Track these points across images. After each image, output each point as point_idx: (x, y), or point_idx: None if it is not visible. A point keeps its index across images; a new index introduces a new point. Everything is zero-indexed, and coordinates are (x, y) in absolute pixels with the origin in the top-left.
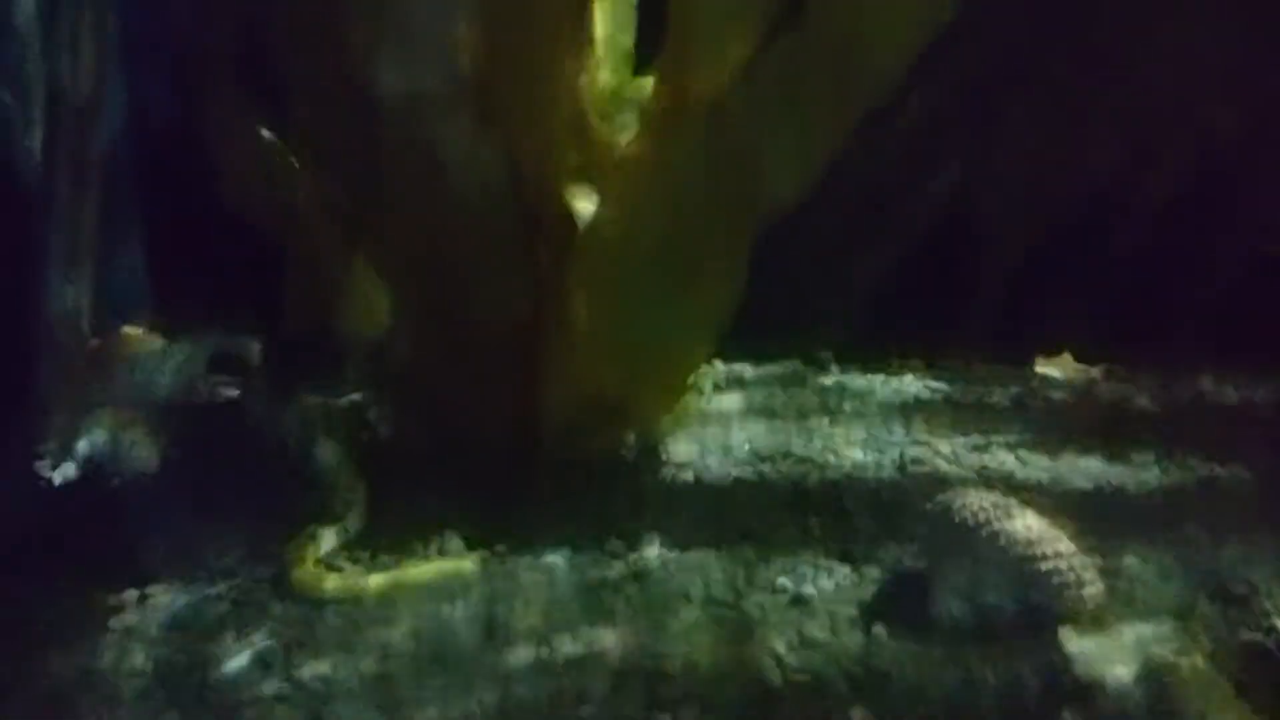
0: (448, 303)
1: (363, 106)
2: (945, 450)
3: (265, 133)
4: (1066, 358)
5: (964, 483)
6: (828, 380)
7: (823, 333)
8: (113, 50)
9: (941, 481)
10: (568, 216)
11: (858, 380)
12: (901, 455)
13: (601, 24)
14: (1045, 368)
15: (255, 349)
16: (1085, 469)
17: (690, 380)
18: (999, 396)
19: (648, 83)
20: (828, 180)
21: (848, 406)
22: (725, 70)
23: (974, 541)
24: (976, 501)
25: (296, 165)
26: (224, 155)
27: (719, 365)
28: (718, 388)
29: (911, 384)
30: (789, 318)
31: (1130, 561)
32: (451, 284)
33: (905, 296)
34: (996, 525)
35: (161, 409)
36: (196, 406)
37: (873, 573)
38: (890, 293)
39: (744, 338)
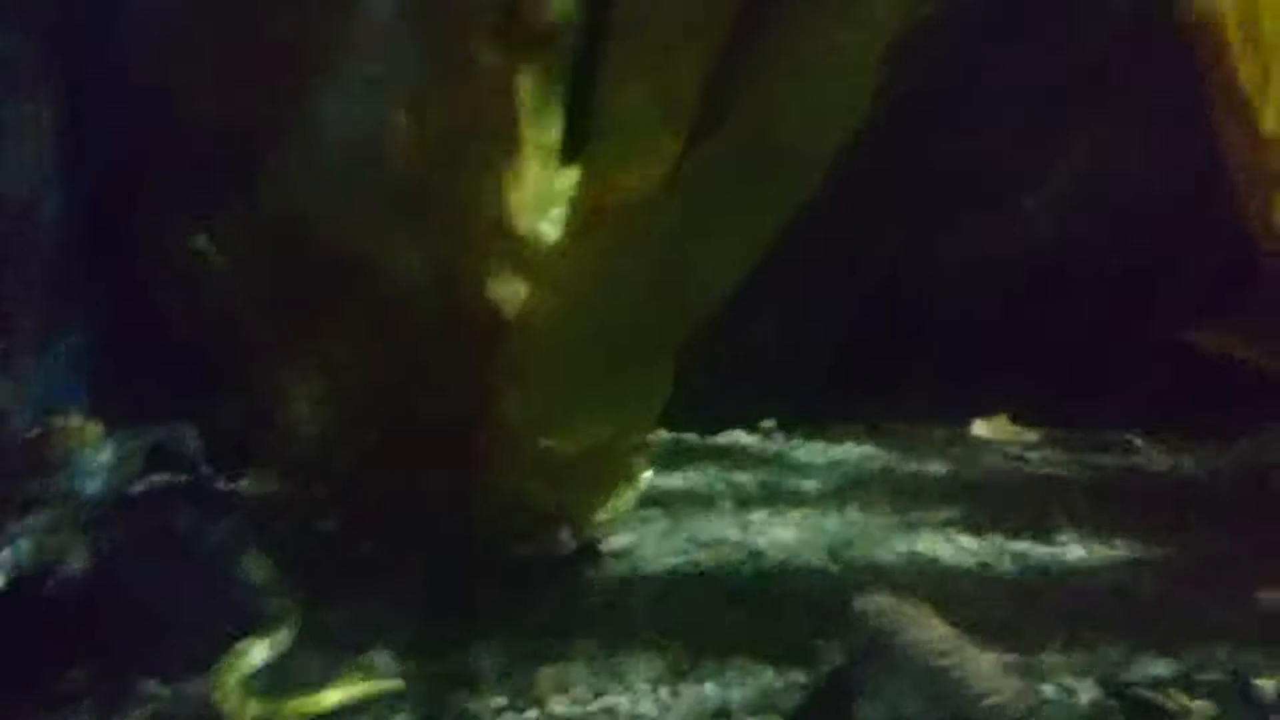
0: (381, 402)
1: (293, 213)
2: (877, 533)
3: (198, 234)
4: (1003, 420)
5: (893, 569)
6: (770, 451)
7: (767, 400)
8: (49, 150)
9: (872, 568)
10: (498, 313)
11: (799, 450)
12: (833, 540)
13: (528, 118)
14: (982, 430)
15: (195, 442)
16: (1012, 551)
17: (625, 469)
18: (936, 465)
19: (575, 176)
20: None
21: (786, 483)
22: (652, 168)
23: (891, 651)
24: (891, 608)
25: (230, 266)
26: (156, 256)
27: (664, 436)
28: (659, 466)
29: (851, 452)
30: (734, 385)
31: (1049, 661)
32: (384, 383)
33: (847, 362)
34: (911, 634)
35: (95, 509)
36: (131, 507)
37: (798, 677)
38: (832, 359)
39: (691, 407)
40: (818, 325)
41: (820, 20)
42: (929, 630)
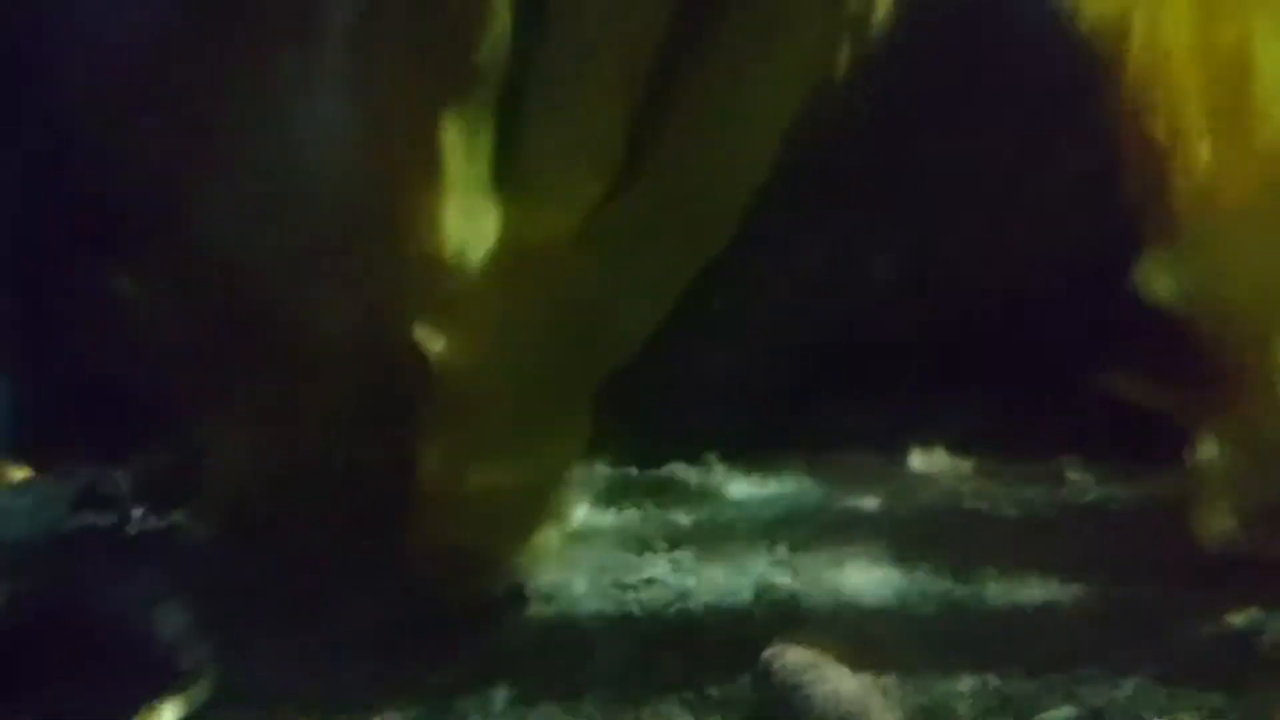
0: (307, 447)
1: (219, 255)
2: (805, 571)
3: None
4: (940, 450)
5: (817, 611)
6: (709, 485)
7: (711, 432)
8: None
9: (796, 610)
10: (422, 357)
11: (737, 485)
12: (761, 580)
13: (455, 160)
14: (920, 462)
15: (125, 486)
16: (934, 591)
17: (551, 510)
18: (870, 499)
19: (498, 219)
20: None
21: (721, 519)
22: (573, 213)
23: (793, 706)
24: (796, 661)
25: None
26: (83, 298)
27: (603, 471)
28: (595, 503)
29: (788, 487)
30: (677, 417)
31: (958, 706)
32: (310, 428)
33: (788, 393)
34: (813, 689)
35: (14, 555)
36: (54, 552)
37: None
38: (774, 389)
39: (633, 440)
40: (760, 356)
41: (732, 77)
42: (836, 683)
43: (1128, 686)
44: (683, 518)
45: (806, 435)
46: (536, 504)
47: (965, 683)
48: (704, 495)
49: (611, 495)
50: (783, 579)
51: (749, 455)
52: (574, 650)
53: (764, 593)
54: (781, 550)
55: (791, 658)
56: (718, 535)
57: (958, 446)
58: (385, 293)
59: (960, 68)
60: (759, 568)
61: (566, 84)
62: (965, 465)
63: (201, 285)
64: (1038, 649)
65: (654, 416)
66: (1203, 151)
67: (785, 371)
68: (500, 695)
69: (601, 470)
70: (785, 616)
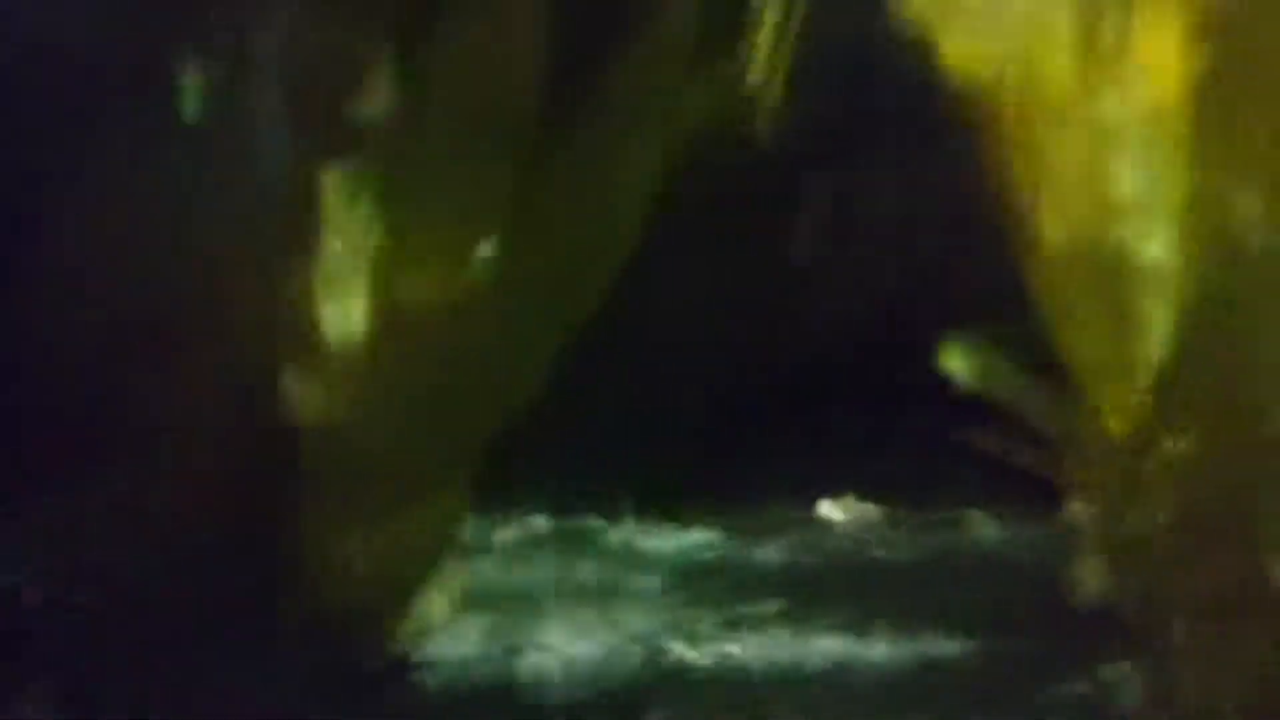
0: (180, 513)
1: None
2: (699, 631)
3: None
4: (850, 499)
5: (704, 673)
6: (616, 539)
7: (625, 483)
8: None
9: (685, 673)
10: (298, 421)
11: (644, 538)
12: (654, 642)
13: (336, 220)
14: (829, 510)
15: None
16: (824, 650)
17: (437, 574)
18: (773, 552)
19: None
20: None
21: (623, 575)
22: (449, 277)
23: None
24: None
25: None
26: None
27: (512, 526)
28: (499, 560)
29: (695, 540)
30: (590, 469)
31: None
32: (182, 494)
33: (702, 442)
34: None
35: None
36: None
37: None
38: (688, 440)
39: (546, 492)
40: (674, 406)
41: (603, 145)
42: None
43: None
44: (586, 573)
45: (719, 485)
46: (419, 570)
47: None
48: (612, 549)
49: (519, 550)
50: (674, 644)
51: (662, 506)
52: None
53: (655, 656)
54: (679, 608)
55: None
56: (619, 592)
57: (868, 495)
58: (259, 354)
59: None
60: (654, 628)
61: (444, 148)
62: (873, 513)
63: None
64: (920, 708)
65: (568, 468)
66: (1045, 220)
67: (699, 422)
68: None
69: (511, 523)
70: (672, 685)
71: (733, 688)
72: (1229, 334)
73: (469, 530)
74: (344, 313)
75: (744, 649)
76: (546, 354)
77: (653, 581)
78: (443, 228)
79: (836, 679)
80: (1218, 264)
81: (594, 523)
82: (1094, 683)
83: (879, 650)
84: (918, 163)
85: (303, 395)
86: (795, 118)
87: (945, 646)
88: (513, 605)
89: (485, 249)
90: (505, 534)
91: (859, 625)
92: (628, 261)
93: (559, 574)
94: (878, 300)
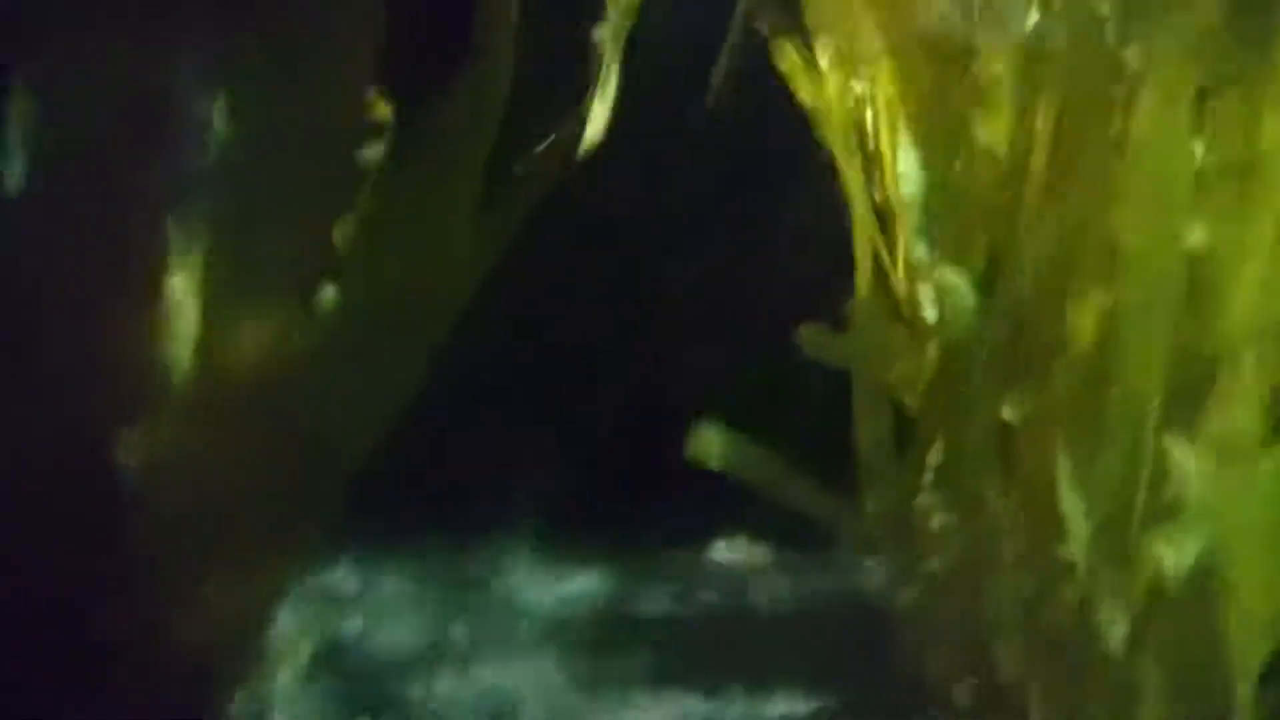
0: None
1: None
2: (559, 691)
3: None
4: (742, 540)
5: None
6: (501, 587)
7: (518, 530)
8: None
9: None
10: (126, 479)
11: (529, 587)
12: (510, 702)
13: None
14: (720, 553)
15: None
16: (677, 711)
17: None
18: (653, 601)
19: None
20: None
21: (500, 628)
22: (277, 324)
23: None
24: None
25: None
26: None
27: (398, 577)
28: (373, 616)
29: (580, 587)
30: (483, 517)
31: None
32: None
33: (594, 488)
34: None
35: None
36: None
37: None
38: (578, 484)
39: (432, 538)
40: (564, 451)
41: (419, 193)
42: None
43: None
44: (462, 627)
45: (614, 526)
46: (255, 632)
47: None
48: (491, 601)
49: (392, 606)
50: (534, 700)
51: (552, 551)
52: None
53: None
54: (546, 663)
55: None
56: (491, 647)
57: (758, 537)
58: (83, 412)
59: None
60: (517, 686)
61: (266, 191)
62: (762, 556)
63: None
64: None
65: (458, 515)
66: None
67: (591, 467)
68: None
69: (393, 573)
70: None
71: None
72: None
73: (344, 585)
74: (179, 363)
75: (599, 708)
76: (391, 398)
77: (527, 634)
78: (277, 270)
79: None
80: None
81: (478, 571)
82: None
83: (735, 711)
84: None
85: (134, 450)
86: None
87: (802, 706)
88: (378, 665)
89: (322, 292)
90: (386, 586)
91: (715, 685)
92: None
93: (434, 627)
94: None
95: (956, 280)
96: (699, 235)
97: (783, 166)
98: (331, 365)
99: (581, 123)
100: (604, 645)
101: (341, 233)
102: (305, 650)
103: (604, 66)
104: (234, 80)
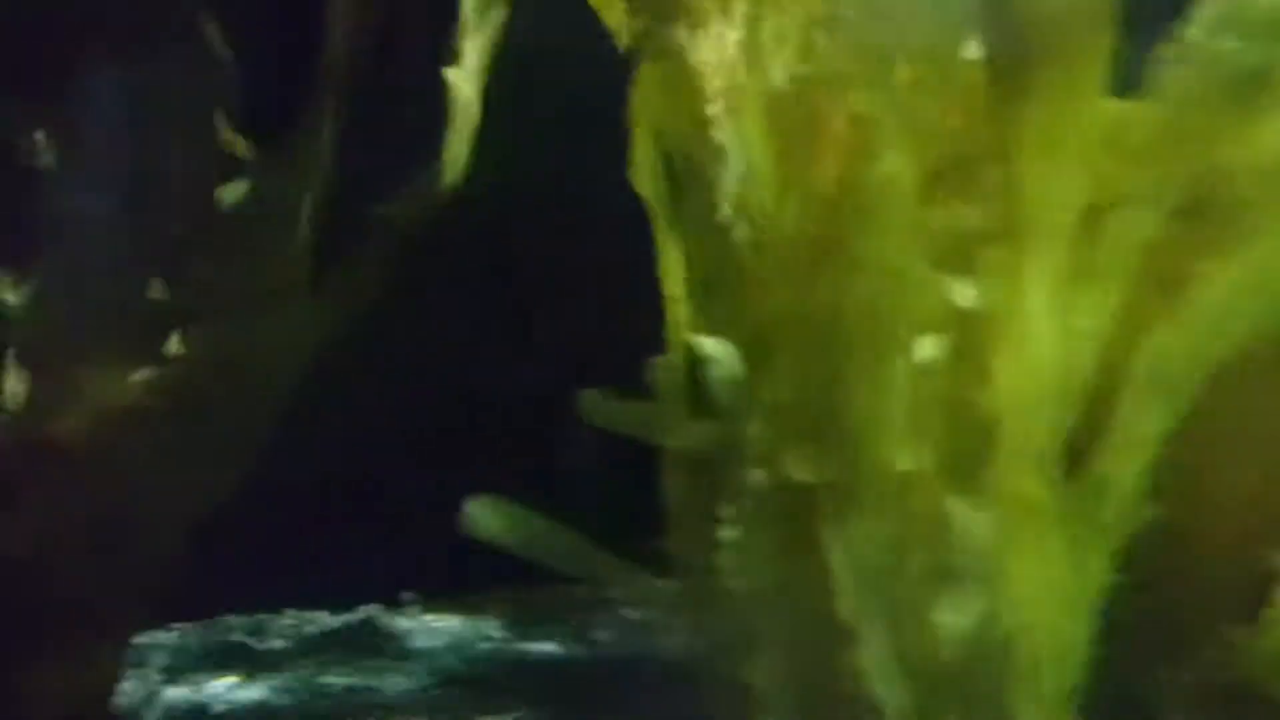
0: None
1: None
2: None
3: None
4: (646, 576)
5: None
6: (392, 631)
7: (415, 569)
8: None
9: None
10: None
11: (422, 631)
12: None
13: None
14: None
15: None
16: None
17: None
18: (548, 644)
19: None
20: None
21: (377, 680)
22: (93, 397)
23: None
24: None
25: None
26: None
27: (286, 621)
28: (250, 669)
29: (475, 630)
30: (382, 557)
31: None
32: None
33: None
34: None
35: None
36: None
37: None
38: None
39: (326, 582)
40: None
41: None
42: None
43: None
44: (338, 681)
45: (512, 566)
46: (94, 695)
47: None
48: (375, 648)
49: (282, 657)
50: None
51: (452, 593)
52: None
53: None
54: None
55: None
56: (360, 706)
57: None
58: None
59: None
60: None
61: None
62: (669, 593)
63: None
64: None
65: (352, 559)
66: None
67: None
68: None
69: (289, 619)
70: None
71: None
72: None
73: (230, 634)
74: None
75: None
76: (220, 477)
77: (403, 685)
78: (115, 325)
79: None
80: None
81: (376, 615)
82: None
83: None
84: None
85: None
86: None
87: None
88: None
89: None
90: (282, 632)
91: None
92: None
93: (306, 682)
94: None
95: (720, 350)
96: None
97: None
98: (168, 424)
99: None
100: (484, 693)
101: (179, 289)
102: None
103: (459, 109)
104: (76, 124)
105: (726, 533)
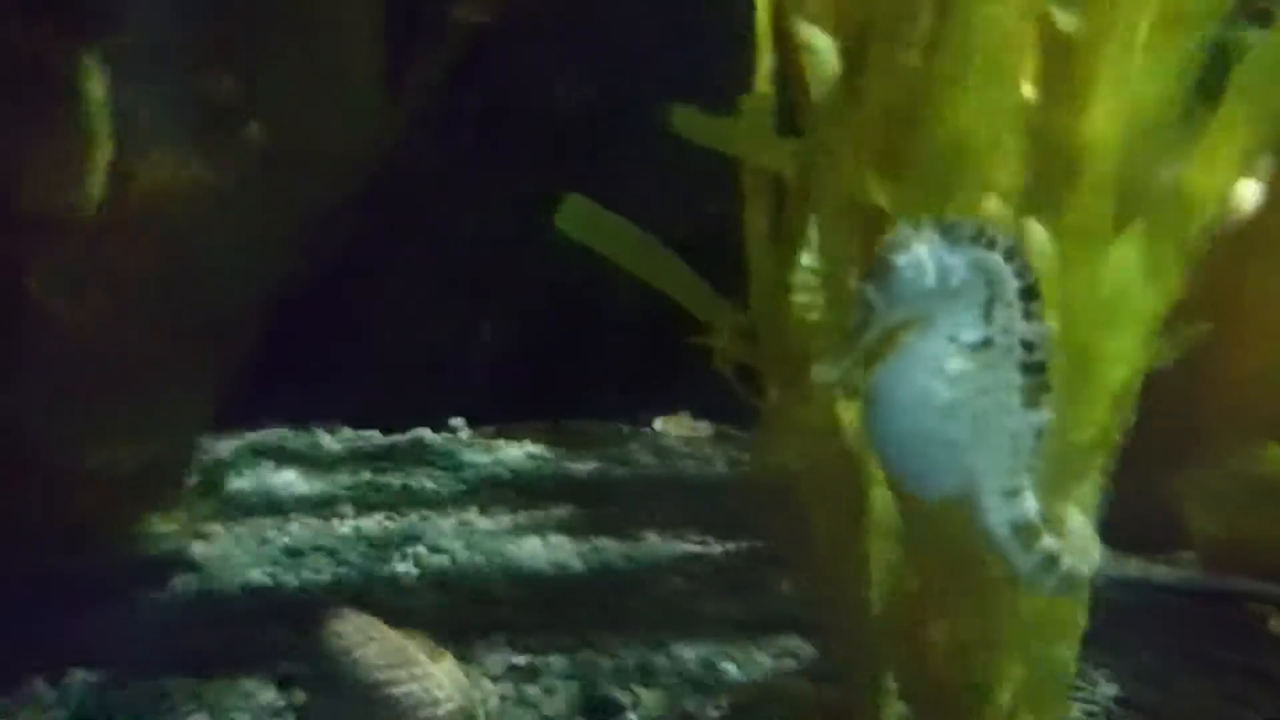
0: None
1: None
2: (479, 536)
3: None
4: (684, 416)
5: (466, 572)
6: (439, 450)
7: (463, 396)
8: None
9: (442, 572)
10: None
11: (470, 451)
12: (425, 544)
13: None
14: (664, 426)
15: None
16: (588, 550)
17: (192, 477)
18: (590, 464)
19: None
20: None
21: (428, 485)
22: (168, 166)
23: (338, 673)
24: (345, 628)
25: None
26: None
27: (342, 434)
28: (306, 468)
29: (521, 452)
30: (430, 382)
31: (553, 662)
32: None
33: (540, 359)
34: (358, 653)
35: None
36: None
37: (297, 697)
38: (525, 356)
39: (379, 403)
40: (510, 321)
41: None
42: (379, 646)
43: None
44: (393, 483)
45: (558, 402)
46: (161, 470)
47: (563, 642)
48: (427, 461)
49: (332, 462)
50: (450, 543)
51: (500, 421)
52: (195, 623)
53: (422, 557)
54: (470, 513)
55: (342, 624)
56: (414, 500)
57: (702, 413)
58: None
59: None
60: (431, 532)
61: (154, 37)
62: (704, 430)
63: None
64: (651, 606)
65: (406, 382)
66: None
67: (538, 339)
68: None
69: (341, 435)
70: (430, 579)
71: (492, 583)
72: None
73: (289, 441)
74: (83, 204)
75: (515, 549)
76: (271, 256)
77: (454, 489)
78: (154, 118)
79: (595, 577)
80: None
81: (426, 436)
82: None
83: (644, 551)
84: None
85: (45, 286)
86: None
87: (710, 545)
88: (301, 512)
89: (222, 142)
90: (330, 445)
91: (632, 531)
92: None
93: (363, 483)
94: None
95: (820, 40)
96: None
97: None
98: (240, 201)
99: None
100: (522, 498)
101: (254, 77)
102: (221, 488)
103: None
104: None
105: (804, 256)
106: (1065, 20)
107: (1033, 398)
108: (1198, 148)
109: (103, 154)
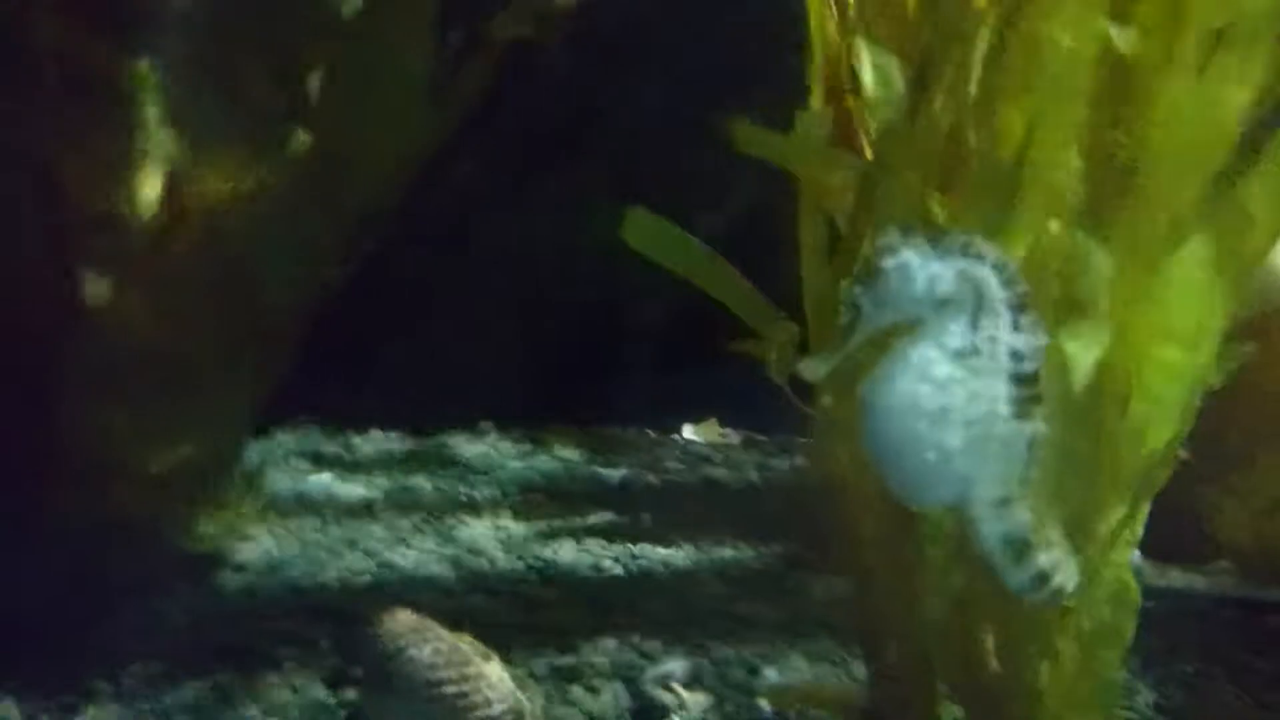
0: None
1: None
2: (514, 542)
3: None
4: (712, 423)
5: (508, 577)
6: (469, 454)
7: (492, 401)
8: None
9: (483, 577)
10: (85, 315)
11: (498, 454)
12: (462, 550)
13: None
14: (692, 433)
15: None
16: (622, 555)
17: (237, 478)
18: (620, 470)
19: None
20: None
21: (461, 489)
22: (227, 173)
23: (392, 672)
24: (398, 627)
25: None
26: None
27: (372, 436)
28: (341, 471)
29: (551, 456)
30: (459, 386)
31: (594, 662)
32: None
33: (569, 365)
34: (411, 652)
35: None
36: None
37: (348, 695)
38: (554, 362)
39: (410, 407)
40: (540, 328)
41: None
42: (430, 645)
43: (748, 638)
44: (425, 486)
45: (586, 408)
46: (206, 471)
47: (603, 644)
48: (457, 464)
49: (363, 465)
50: (488, 549)
51: (527, 425)
52: (230, 624)
53: (462, 561)
54: (504, 519)
55: (394, 624)
56: (449, 504)
57: (730, 420)
58: (50, 240)
59: None
60: (467, 537)
61: (214, 50)
62: (732, 437)
63: None
64: (686, 608)
65: (436, 386)
66: None
67: (567, 345)
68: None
69: (370, 436)
70: (472, 585)
71: (527, 588)
72: None
73: (321, 443)
74: (135, 207)
75: (551, 554)
76: (325, 255)
77: (489, 494)
78: (212, 125)
79: (627, 581)
80: None
81: (454, 440)
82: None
83: (677, 556)
84: None
85: (94, 287)
86: None
87: (740, 551)
88: (339, 514)
89: (273, 146)
90: (363, 448)
91: (665, 536)
92: None
93: (398, 486)
94: None
95: (884, 57)
96: None
97: None
98: (290, 205)
99: None
100: (556, 502)
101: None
102: (263, 489)
103: None
104: None
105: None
106: (1124, 39)
107: (1023, 409)
108: (1257, 167)
109: (156, 158)
